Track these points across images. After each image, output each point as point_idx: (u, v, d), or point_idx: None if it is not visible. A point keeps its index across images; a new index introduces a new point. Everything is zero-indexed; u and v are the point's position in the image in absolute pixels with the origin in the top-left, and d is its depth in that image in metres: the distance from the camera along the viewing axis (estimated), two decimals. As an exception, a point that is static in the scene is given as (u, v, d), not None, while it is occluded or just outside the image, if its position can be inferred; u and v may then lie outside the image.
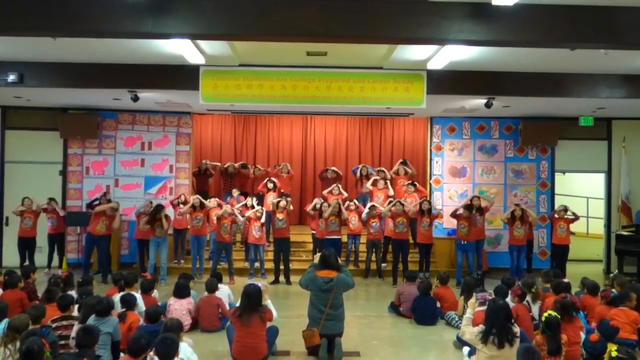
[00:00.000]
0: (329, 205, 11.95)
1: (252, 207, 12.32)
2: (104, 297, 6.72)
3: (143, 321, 7.67)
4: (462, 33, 7.01)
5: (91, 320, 6.29)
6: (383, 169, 14.10)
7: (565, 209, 12.08)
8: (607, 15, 7.04)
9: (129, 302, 7.04)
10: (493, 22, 6.98)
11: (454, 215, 12.21)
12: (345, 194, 13.00)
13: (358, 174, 14.11)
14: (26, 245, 12.16)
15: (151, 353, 5.35)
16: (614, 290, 8.23)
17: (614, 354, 4.87)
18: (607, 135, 13.99)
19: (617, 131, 13.91)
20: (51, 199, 12.59)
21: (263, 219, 12.00)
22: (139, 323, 6.99)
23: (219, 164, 14.80)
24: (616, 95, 10.69)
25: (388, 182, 13.37)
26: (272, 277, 11.84)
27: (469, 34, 7.03)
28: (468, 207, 12.16)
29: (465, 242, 11.88)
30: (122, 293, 7.69)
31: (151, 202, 12.28)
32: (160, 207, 11.74)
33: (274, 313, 7.07)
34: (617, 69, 10.24)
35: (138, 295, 7.91)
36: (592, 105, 11.78)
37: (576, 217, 12.07)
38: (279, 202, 11.91)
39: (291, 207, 12.10)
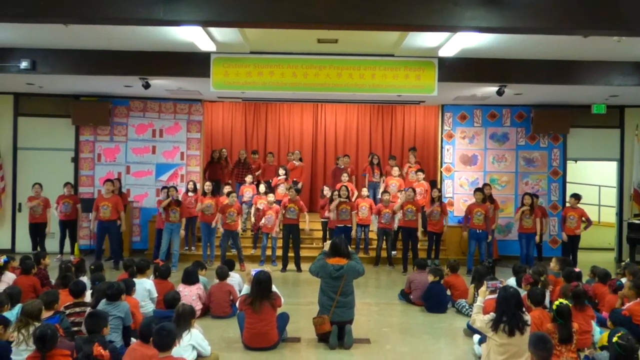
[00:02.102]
0: (339, 194, 11.90)
1: (266, 193, 12.39)
2: (114, 281, 6.75)
3: (155, 307, 7.77)
4: (474, 20, 6.95)
5: (102, 305, 6.33)
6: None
7: (576, 196, 12.05)
8: (620, 2, 6.96)
9: (127, 287, 7.07)
10: (505, 8, 6.91)
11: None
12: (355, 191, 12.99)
13: (369, 161, 14.10)
14: (37, 231, 12.25)
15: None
16: (622, 279, 8.22)
17: (614, 339, 4.90)
18: (620, 123, 13.90)
19: (630, 119, 13.81)
20: (67, 183, 12.65)
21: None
22: (138, 306, 7.03)
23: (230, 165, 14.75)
24: (629, 82, 10.61)
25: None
26: (281, 265, 11.87)
27: (481, 20, 6.97)
28: (479, 189, 12.12)
29: (480, 231, 11.80)
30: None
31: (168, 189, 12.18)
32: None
33: (282, 299, 7.13)
34: (630, 56, 10.15)
35: (150, 282, 7.97)
36: (604, 93, 11.69)
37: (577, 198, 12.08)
38: (289, 189, 11.98)
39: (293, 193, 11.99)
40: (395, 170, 13.29)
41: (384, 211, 11.99)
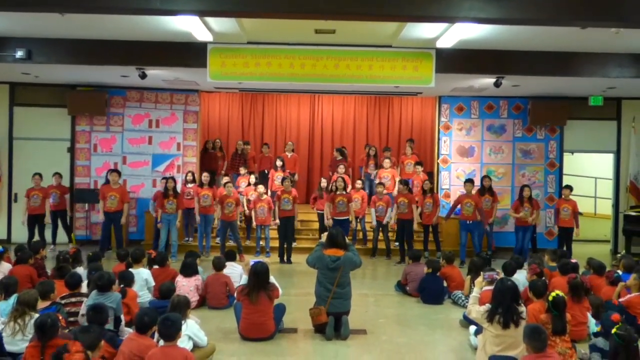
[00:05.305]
0: (336, 187, 11.94)
1: (256, 184, 12.43)
2: (105, 272, 6.73)
3: (152, 296, 7.79)
4: (473, 11, 6.95)
5: (93, 295, 6.32)
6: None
7: (570, 188, 12.11)
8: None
9: (127, 279, 7.08)
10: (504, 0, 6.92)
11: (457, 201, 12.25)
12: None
13: (366, 153, 14.10)
14: (36, 222, 12.21)
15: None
16: (618, 271, 8.24)
17: (613, 330, 4.97)
18: (617, 115, 13.89)
19: (627, 111, 13.80)
20: (55, 173, 12.63)
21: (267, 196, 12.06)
22: (136, 299, 7.05)
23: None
24: (626, 74, 10.61)
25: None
26: (276, 257, 11.87)
27: (479, 11, 6.97)
28: (469, 180, 12.15)
29: (470, 222, 11.83)
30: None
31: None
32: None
33: (280, 290, 7.14)
34: (628, 48, 10.14)
35: (147, 271, 7.98)
36: (602, 84, 11.68)
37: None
38: (283, 180, 11.99)
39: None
40: (387, 162, 13.25)
41: (378, 203, 11.99)
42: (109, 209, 11.71)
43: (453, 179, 13.80)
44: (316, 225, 12.99)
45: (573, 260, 8.49)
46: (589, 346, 6.07)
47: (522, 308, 5.77)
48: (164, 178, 12.17)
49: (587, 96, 12.77)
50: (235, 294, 7.46)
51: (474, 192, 11.97)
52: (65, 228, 12.90)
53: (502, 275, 7.19)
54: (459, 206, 11.99)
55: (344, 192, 11.87)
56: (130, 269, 7.68)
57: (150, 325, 5.24)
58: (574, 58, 10.54)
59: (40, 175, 12.27)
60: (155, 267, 8.50)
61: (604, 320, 5.93)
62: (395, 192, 12.53)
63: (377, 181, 12.90)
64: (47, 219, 12.30)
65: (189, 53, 10.49)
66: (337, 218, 11.73)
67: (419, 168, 13.09)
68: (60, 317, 5.28)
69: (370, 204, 12.14)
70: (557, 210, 12.07)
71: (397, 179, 13.00)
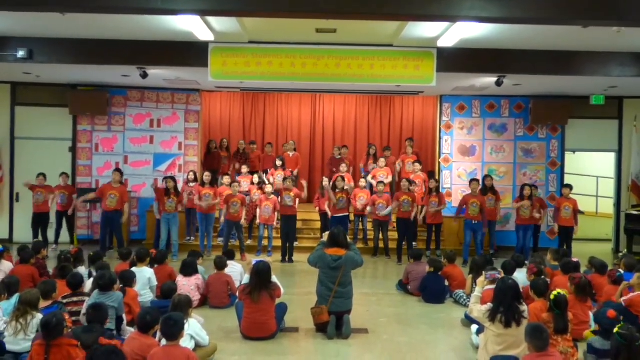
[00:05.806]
0: (335, 185, 11.98)
1: (259, 183, 12.44)
2: (107, 271, 6.74)
3: (154, 296, 7.79)
4: (474, 10, 6.95)
5: (95, 295, 6.32)
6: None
7: (570, 187, 12.13)
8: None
9: (127, 279, 7.09)
10: (505, -1, 6.93)
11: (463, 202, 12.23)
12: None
13: (367, 152, 14.10)
14: (39, 220, 12.25)
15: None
16: (620, 270, 8.23)
17: (615, 330, 4.98)
18: (618, 114, 13.88)
19: (629, 110, 13.79)
20: (63, 174, 12.64)
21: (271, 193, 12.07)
22: (137, 298, 7.07)
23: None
24: (628, 73, 10.60)
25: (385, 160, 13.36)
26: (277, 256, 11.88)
27: (480, 10, 6.97)
28: (475, 180, 12.16)
29: (476, 222, 11.82)
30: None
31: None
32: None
33: (282, 289, 7.14)
34: (629, 47, 10.14)
35: (150, 270, 7.98)
36: (603, 83, 11.67)
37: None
38: (284, 179, 12.00)
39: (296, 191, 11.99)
40: (382, 161, 13.20)
41: (378, 201, 11.98)
42: (108, 207, 11.67)
43: (454, 178, 13.80)
44: (318, 225, 13.00)
45: (574, 259, 8.48)
46: (586, 345, 6.07)
47: (524, 307, 5.77)
48: (165, 178, 12.17)
49: (589, 95, 12.75)
50: (237, 293, 7.46)
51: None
52: (69, 228, 12.91)
53: (503, 274, 7.19)
54: (464, 206, 12.00)
55: (344, 190, 11.90)
56: (133, 268, 7.68)
57: (153, 324, 5.24)
58: (576, 57, 10.54)
59: (44, 175, 12.32)
60: (157, 266, 8.50)
61: (600, 317, 5.92)
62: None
63: (370, 179, 12.90)
64: (52, 209, 12.30)
65: (190, 53, 10.49)
66: (337, 215, 11.76)
67: (418, 167, 13.07)
68: (67, 317, 5.28)
69: (368, 202, 12.13)
70: (558, 209, 12.05)
71: (390, 178, 13.02)
